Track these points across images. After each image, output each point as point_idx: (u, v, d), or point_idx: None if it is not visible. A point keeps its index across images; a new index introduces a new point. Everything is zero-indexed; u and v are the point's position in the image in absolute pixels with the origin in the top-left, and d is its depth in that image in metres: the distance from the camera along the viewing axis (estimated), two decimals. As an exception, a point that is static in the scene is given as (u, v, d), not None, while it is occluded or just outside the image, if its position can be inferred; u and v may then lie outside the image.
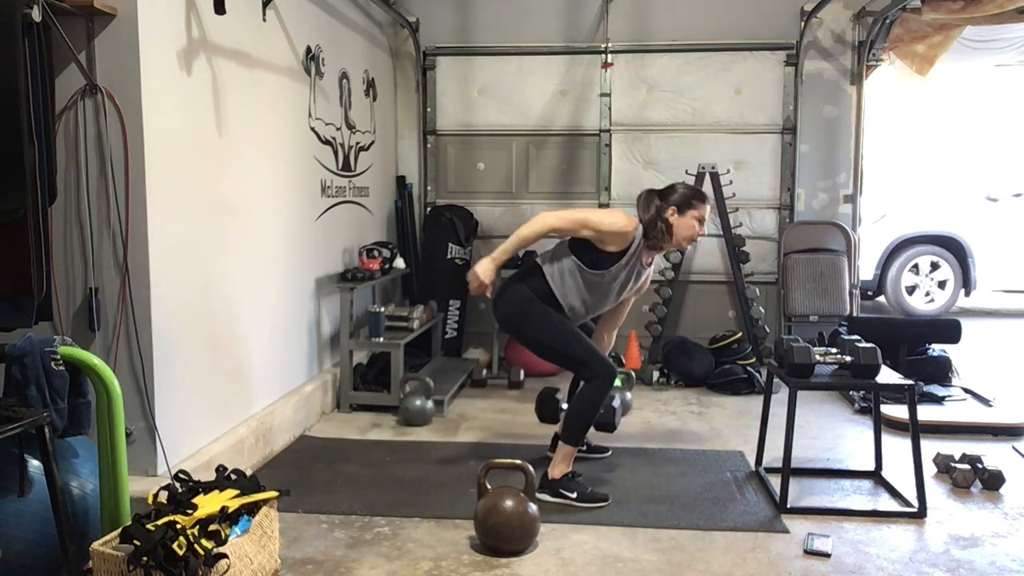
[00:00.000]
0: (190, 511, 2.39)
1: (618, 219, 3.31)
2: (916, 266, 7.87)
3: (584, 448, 3.87)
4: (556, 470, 3.38)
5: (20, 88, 2.51)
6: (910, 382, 3.32)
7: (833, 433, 4.33)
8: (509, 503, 2.88)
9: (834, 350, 3.46)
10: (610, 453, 3.93)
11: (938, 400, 4.68)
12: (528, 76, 6.02)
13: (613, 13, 5.91)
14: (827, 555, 2.86)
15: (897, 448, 3.80)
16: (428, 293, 5.70)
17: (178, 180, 3.17)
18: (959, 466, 3.54)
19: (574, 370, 3.51)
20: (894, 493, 3.43)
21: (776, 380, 3.96)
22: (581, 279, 3.36)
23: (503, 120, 6.10)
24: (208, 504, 2.45)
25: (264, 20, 3.87)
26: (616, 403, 3.77)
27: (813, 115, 5.86)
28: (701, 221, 3.38)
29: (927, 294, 7.90)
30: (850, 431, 4.37)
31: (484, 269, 3.30)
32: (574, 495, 3.32)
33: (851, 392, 4.86)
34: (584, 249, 3.34)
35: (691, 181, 5.63)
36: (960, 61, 6.21)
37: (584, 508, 3.28)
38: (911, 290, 7.88)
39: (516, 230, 3.32)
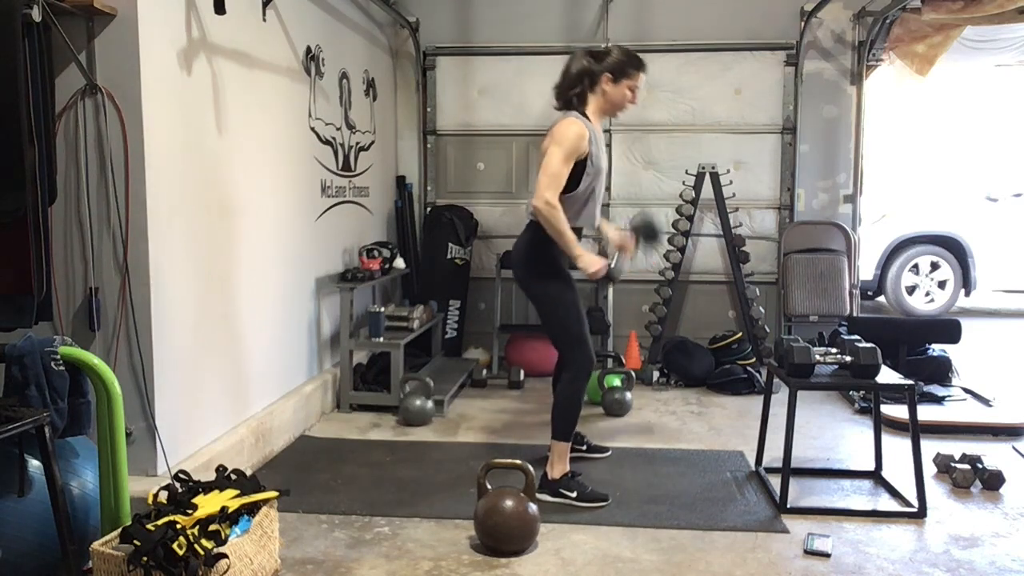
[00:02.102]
0: (190, 511, 2.39)
1: (573, 132, 3.18)
2: (916, 266, 7.87)
3: (584, 448, 3.88)
4: (555, 470, 3.38)
5: (20, 88, 2.51)
6: (910, 382, 3.31)
7: (833, 433, 4.33)
8: (509, 503, 2.88)
9: (834, 350, 3.46)
10: (610, 453, 3.93)
11: (938, 400, 4.68)
12: (528, 76, 6.01)
13: (613, 13, 5.92)
14: (827, 555, 2.86)
15: (897, 448, 3.81)
16: (428, 293, 5.70)
17: (178, 180, 3.17)
18: (959, 466, 3.54)
19: (563, 349, 3.41)
20: (894, 493, 3.43)
21: (776, 380, 3.96)
22: (588, 189, 3.29)
23: (503, 120, 6.10)
24: (208, 504, 2.45)
25: (264, 20, 3.88)
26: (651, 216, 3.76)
27: (813, 115, 5.85)
28: (634, 91, 3.33)
29: (927, 294, 7.90)
30: (850, 431, 4.37)
31: (591, 260, 3.22)
32: (574, 494, 3.31)
33: (851, 392, 4.86)
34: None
35: (691, 181, 5.66)
36: (960, 61, 6.22)
37: (584, 508, 3.28)
38: (911, 290, 7.88)
39: (556, 230, 3.16)
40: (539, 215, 3.16)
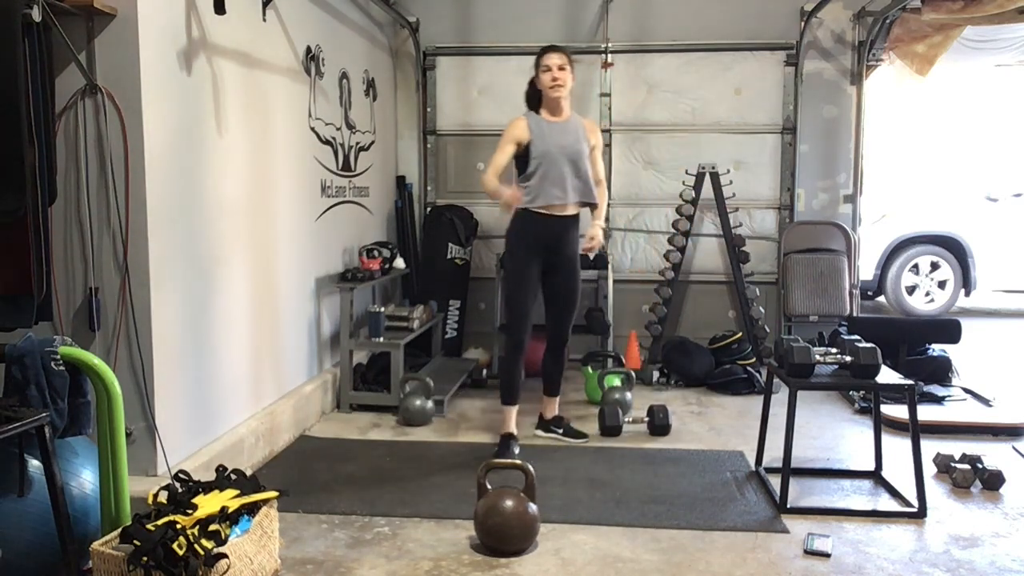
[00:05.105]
0: (190, 511, 2.39)
1: (509, 129, 3.91)
2: (916, 266, 7.86)
3: (561, 432, 4.18)
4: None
5: (20, 88, 2.51)
6: (910, 382, 3.32)
7: (833, 433, 4.33)
8: (509, 503, 2.88)
9: (834, 350, 3.46)
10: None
11: (938, 400, 4.68)
12: (528, 76, 5.96)
13: (613, 13, 5.92)
14: (827, 555, 2.86)
15: (897, 448, 3.80)
16: (428, 293, 5.70)
17: (178, 180, 3.17)
18: (959, 466, 3.54)
19: (505, 322, 4.04)
20: (894, 493, 3.43)
21: (776, 380, 3.96)
22: (538, 172, 3.82)
23: (503, 120, 5.99)
24: (208, 504, 2.45)
25: (264, 20, 3.88)
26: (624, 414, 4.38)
27: (813, 115, 5.85)
28: (549, 68, 3.84)
29: (927, 294, 7.90)
30: (850, 431, 4.37)
31: (510, 194, 3.79)
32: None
33: (851, 392, 4.86)
34: (520, 162, 3.90)
35: (691, 181, 5.66)
36: (960, 61, 6.22)
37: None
38: (911, 290, 7.88)
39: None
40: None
